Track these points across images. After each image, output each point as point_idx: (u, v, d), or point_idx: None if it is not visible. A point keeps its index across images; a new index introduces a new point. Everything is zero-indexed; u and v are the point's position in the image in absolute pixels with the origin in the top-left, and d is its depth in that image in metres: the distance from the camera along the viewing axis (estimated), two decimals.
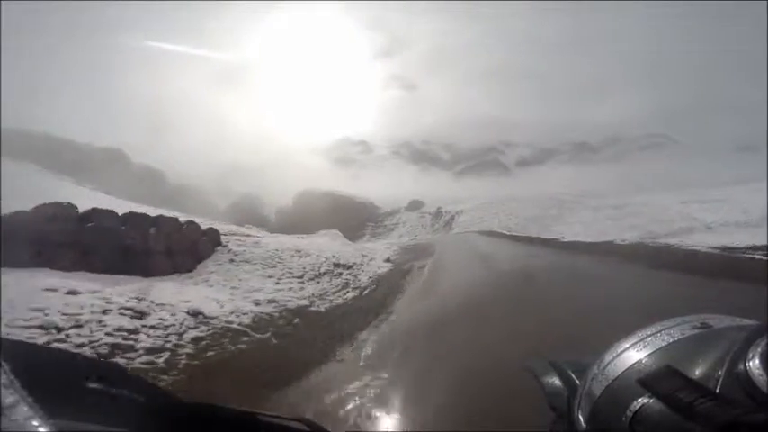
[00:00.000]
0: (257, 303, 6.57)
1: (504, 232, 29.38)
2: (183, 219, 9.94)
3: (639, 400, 0.47)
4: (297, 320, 6.13)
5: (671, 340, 0.54)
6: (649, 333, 0.56)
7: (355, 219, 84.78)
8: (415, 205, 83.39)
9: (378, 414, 3.16)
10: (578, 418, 0.55)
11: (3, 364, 0.36)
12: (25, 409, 0.33)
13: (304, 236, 17.50)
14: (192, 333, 4.92)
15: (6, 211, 7.50)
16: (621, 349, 0.56)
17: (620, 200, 45.82)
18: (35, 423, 0.32)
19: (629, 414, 0.46)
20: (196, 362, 4.31)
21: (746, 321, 0.55)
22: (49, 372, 0.47)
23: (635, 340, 0.56)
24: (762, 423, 0.35)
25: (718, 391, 0.43)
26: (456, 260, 13.97)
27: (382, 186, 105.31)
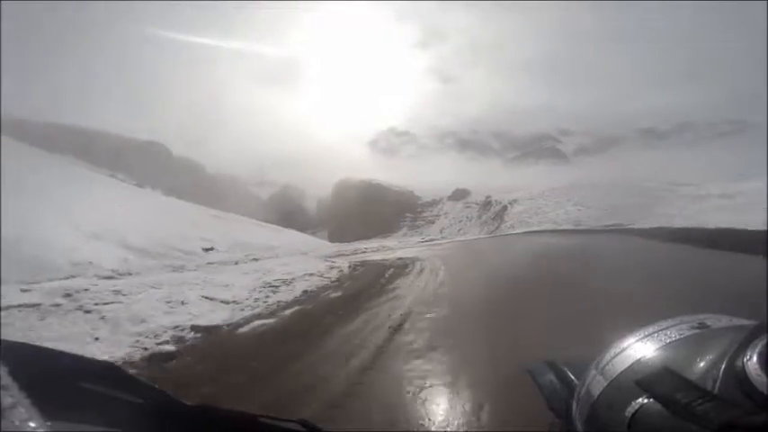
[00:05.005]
0: None
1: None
2: None
3: (638, 400, 0.46)
4: None
5: (669, 341, 0.53)
6: (647, 333, 0.56)
7: (392, 209, 78.65)
8: (460, 194, 75.13)
9: None
10: (576, 419, 0.55)
11: (1, 365, 0.35)
12: (23, 410, 0.32)
13: None
14: None
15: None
16: (619, 350, 0.55)
17: (725, 188, 36.99)
18: (33, 425, 0.32)
19: (627, 415, 0.46)
20: None
21: (745, 322, 0.55)
22: (48, 373, 0.46)
23: (633, 341, 0.56)
24: (760, 424, 0.35)
25: (716, 391, 0.43)
26: None
27: (425, 175, 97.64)
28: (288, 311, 5.47)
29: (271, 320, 4.97)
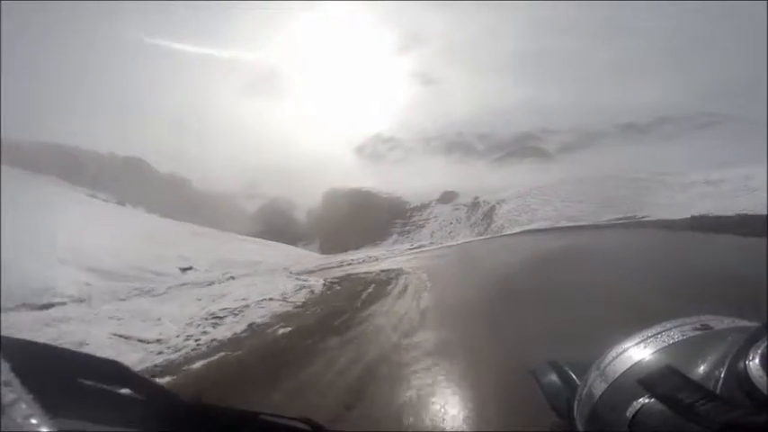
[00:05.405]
0: None
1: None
2: None
3: (639, 400, 0.47)
4: None
5: (671, 341, 0.53)
6: (650, 334, 0.56)
7: (382, 216, 77.67)
8: (448, 197, 74.52)
9: None
10: (578, 419, 0.55)
11: (2, 362, 0.35)
12: (24, 407, 0.32)
13: None
14: None
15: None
16: (622, 350, 0.55)
17: (710, 175, 36.84)
18: (34, 421, 0.32)
19: (628, 415, 0.47)
20: None
21: (747, 323, 0.55)
22: (49, 370, 0.45)
23: (635, 341, 0.56)
24: (762, 424, 0.35)
25: (718, 392, 0.43)
26: None
27: (412, 180, 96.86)
28: (201, 363, 4.07)
29: (169, 378, 3.64)
